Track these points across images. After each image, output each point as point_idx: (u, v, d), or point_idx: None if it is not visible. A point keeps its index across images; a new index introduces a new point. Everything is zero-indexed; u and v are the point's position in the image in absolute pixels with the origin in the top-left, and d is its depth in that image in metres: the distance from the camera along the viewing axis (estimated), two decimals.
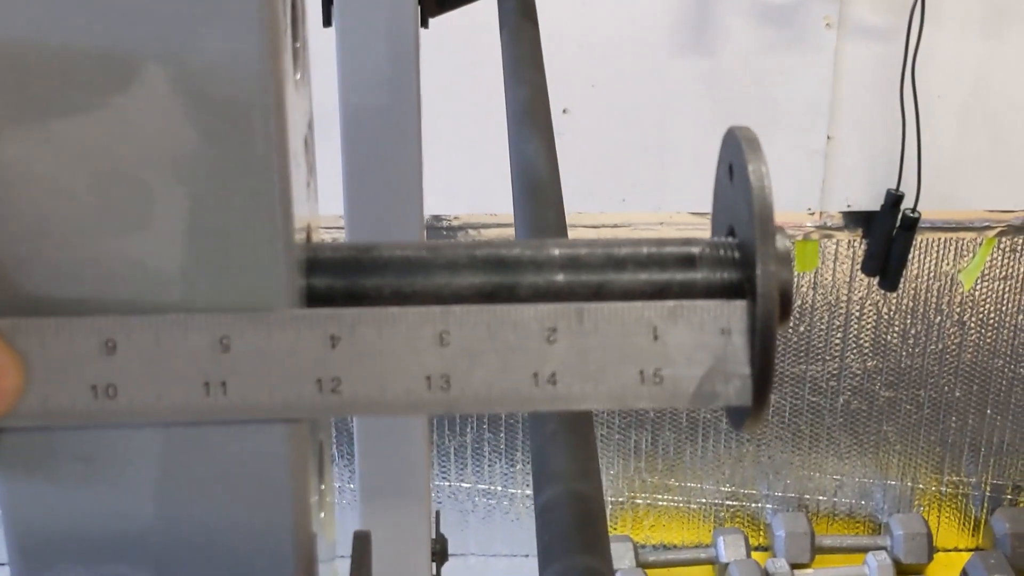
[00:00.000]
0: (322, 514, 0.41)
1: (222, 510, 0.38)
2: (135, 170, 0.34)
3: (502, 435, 2.49)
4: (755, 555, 2.44)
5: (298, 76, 0.36)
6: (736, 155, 0.37)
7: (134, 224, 0.35)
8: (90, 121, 0.34)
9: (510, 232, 2.31)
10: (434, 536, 1.54)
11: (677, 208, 2.22)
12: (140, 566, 0.39)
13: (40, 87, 0.33)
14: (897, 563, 2.42)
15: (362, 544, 0.43)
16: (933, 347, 2.42)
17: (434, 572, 1.53)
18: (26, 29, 0.33)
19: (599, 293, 0.38)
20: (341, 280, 0.38)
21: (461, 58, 2.05)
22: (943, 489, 2.53)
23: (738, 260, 0.38)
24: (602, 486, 0.61)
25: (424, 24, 1.24)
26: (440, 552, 1.54)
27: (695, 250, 0.38)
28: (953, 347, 2.42)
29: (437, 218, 2.25)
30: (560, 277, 0.38)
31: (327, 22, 1.20)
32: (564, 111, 2.14)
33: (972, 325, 2.40)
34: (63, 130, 0.34)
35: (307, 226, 0.38)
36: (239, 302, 0.36)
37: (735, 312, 0.36)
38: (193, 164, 0.34)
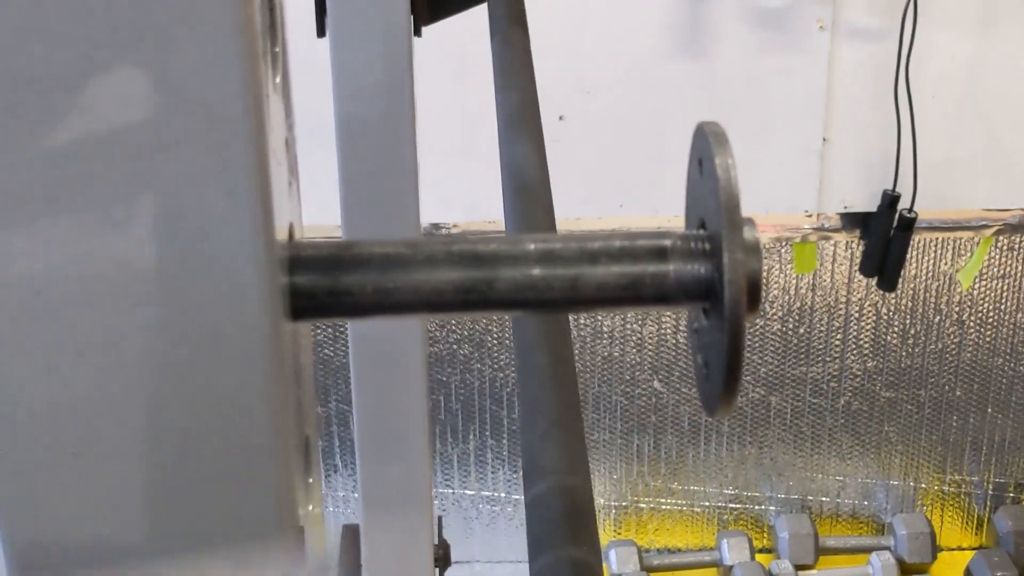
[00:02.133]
0: (311, 506, 0.42)
1: (208, 500, 0.39)
2: (114, 169, 0.35)
3: (504, 442, 2.49)
4: (759, 557, 2.44)
5: (277, 79, 0.37)
6: (704, 149, 0.38)
7: (116, 223, 0.36)
8: (69, 123, 0.35)
9: None
10: (436, 542, 1.54)
11: (675, 212, 2.23)
12: (129, 562, 0.40)
13: (17, 93, 0.34)
14: (901, 563, 2.43)
15: (351, 535, 0.44)
16: (933, 347, 2.43)
17: None
18: (8, 34, 0.34)
19: (574, 286, 0.39)
20: (324, 278, 0.39)
21: (455, 66, 2.06)
22: (945, 488, 2.54)
23: (708, 252, 0.39)
24: (590, 480, 0.62)
25: (417, 33, 1.25)
26: (443, 557, 1.54)
27: (667, 243, 0.39)
28: (953, 346, 2.43)
29: (436, 226, 2.26)
30: (536, 271, 0.39)
31: (321, 32, 1.21)
32: (560, 118, 2.15)
33: (971, 324, 2.41)
34: (41, 133, 0.35)
35: (289, 225, 0.39)
36: (223, 298, 0.37)
37: None
38: (172, 164, 0.35)
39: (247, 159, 0.35)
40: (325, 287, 0.39)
